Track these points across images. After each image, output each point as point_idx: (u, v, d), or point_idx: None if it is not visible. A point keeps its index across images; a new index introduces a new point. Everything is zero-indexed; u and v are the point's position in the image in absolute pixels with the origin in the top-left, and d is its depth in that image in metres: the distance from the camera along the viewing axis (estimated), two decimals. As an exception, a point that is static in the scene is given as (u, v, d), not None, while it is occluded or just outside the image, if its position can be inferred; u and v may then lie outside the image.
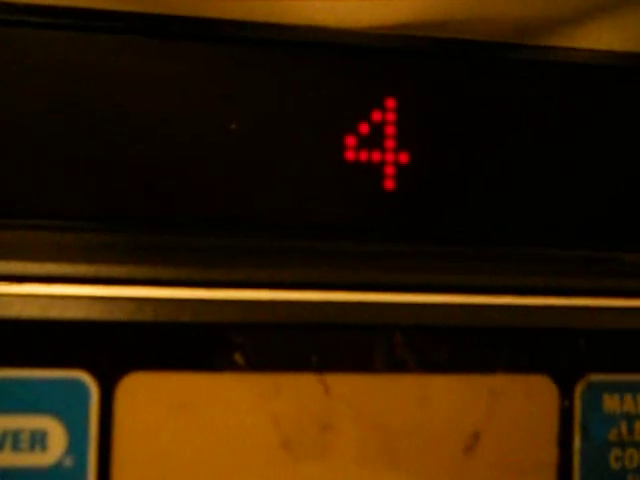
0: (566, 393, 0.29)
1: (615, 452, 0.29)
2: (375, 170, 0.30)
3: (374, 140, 0.30)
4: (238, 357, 0.27)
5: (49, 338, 0.26)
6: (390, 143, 0.30)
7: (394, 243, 0.30)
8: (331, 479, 0.27)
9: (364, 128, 0.30)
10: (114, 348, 0.26)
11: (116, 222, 0.28)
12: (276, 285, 0.27)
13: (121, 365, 0.26)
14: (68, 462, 0.26)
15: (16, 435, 0.25)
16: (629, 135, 0.31)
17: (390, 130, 0.30)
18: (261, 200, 0.29)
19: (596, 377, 0.29)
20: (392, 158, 0.30)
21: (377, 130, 0.30)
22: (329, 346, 0.27)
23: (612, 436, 0.29)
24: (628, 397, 0.29)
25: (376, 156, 0.30)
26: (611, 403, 0.29)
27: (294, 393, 0.27)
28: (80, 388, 0.26)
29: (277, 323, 0.27)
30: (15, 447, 0.25)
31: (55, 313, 0.26)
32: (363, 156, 0.30)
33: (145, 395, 0.26)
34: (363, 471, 0.27)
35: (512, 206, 0.30)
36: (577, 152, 0.31)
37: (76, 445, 0.26)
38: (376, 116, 0.30)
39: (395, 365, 0.27)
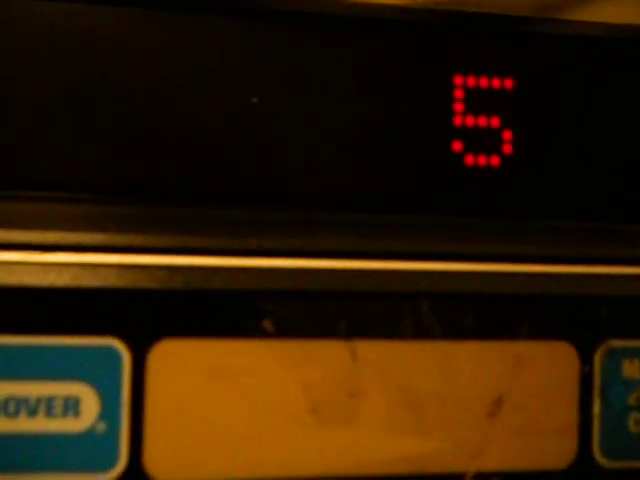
0: (586, 359, 0.26)
1: (634, 416, 0.26)
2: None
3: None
4: (267, 324, 0.24)
5: (82, 306, 0.23)
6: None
7: (422, 215, 0.27)
8: (359, 444, 0.25)
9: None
10: (145, 315, 0.24)
11: (148, 195, 0.26)
12: (306, 254, 0.24)
13: (152, 332, 0.24)
14: (101, 428, 0.23)
15: (50, 401, 0.23)
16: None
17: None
18: (293, 172, 0.26)
19: (616, 343, 0.26)
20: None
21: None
22: (357, 313, 0.25)
23: (631, 400, 0.26)
24: (646, 363, 0.26)
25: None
26: (630, 368, 0.26)
27: (322, 360, 0.24)
28: (112, 355, 0.23)
29: (306, 291, 0.24)
30: (49, 413, 0.23)
31: (87, 281, 0.23)
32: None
33: (176, 362, 0.24)
34: (390, 436, 0.25)
35: (535, 178, 0.28)
36: (597, 126, 0.28)
37: (109, 411, 0.23)
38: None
39: (422, 332, 0.25)
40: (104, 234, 0.24)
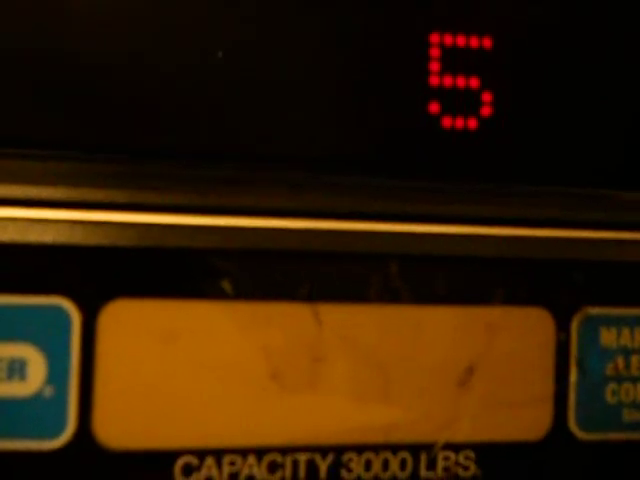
0: (563, 326, 0.25)
1: (611, 386, 0.25)
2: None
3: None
4: (226, 285, 0.23)
5: (28, 263, 0.22)
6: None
7: (391, 176, 0.26)
8: (322, 412, 0.23)
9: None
10: (96, 274, 0.22)
11: (103, 150, 0.24)
12: (267, 212, 0.23)
13: (104, 292, 0.22)
14: (48, 392, 0.22)
15: None
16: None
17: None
18: (260, 130, 0.25)
19: (593, 310, 0.25)
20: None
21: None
22: (322, 275, 0.23)
23: (609, 370, 0.25)
24: (625, 331, 0.25)
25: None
26: (608, 337, 0.25)
27: (284, 323, 0.23)
28: (61, 315, 0.22)
29: (267, 250, 0.23)
30: None
31: (34, 237, 0.22)
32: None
33: (129, 323, 0.22)
34: (355, 404, 0.23)
35: (514, 142, 0.26)
36: (580, 88, 0.27)
37: (57, 375, 0.22)
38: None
39: (390, 296, 0.24)
40: (54, 188, 0.22)
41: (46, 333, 0.22)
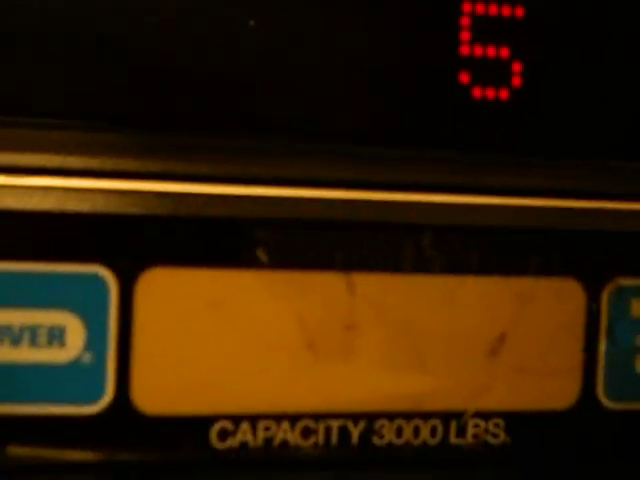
0: (593, 297, 0.25)
1: (640, 357, 0.25)
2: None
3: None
4: (261, 254, 0.22)
5: (67, 232, 0.22)
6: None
7: (422, 146, 0.25)
8: (354, 380, 0.23)
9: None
10: (133, 243, 0.22)
11: (139, 121, 0.24)
12: (304, 182, 0.23)
13: (140, 261, 0.22)
14: (87, 358, 0.22)
15: (34, 330, 0.22)
16: None
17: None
18: (294, 102, 0.24)
19: (624, 281, 0.25)
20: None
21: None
22: (356, 245, 0.23)
23: (638, 341, 0.25)
24: (656, 302, 0.25)
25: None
26: (638, 307, 0.25)
27: (319, 292, 0.23)
28: (99, 283, 0.22)
29: (303, 220, 0.23)
30: (33, 342, 0.22)
31: (73, 206, 0.22)
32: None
33: (165, 291, 0.22)
34: (387, 372, 0.23)
35: (545, 113, 0.26)
36: (612, 60, 0.26)
37: (95, 341, 0.22)
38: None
39: (423, 265, 0.23)
40: (92, 158, 0.22)
41: (84, 301, 0.22)
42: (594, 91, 0.26)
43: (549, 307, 0.24)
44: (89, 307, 0.22)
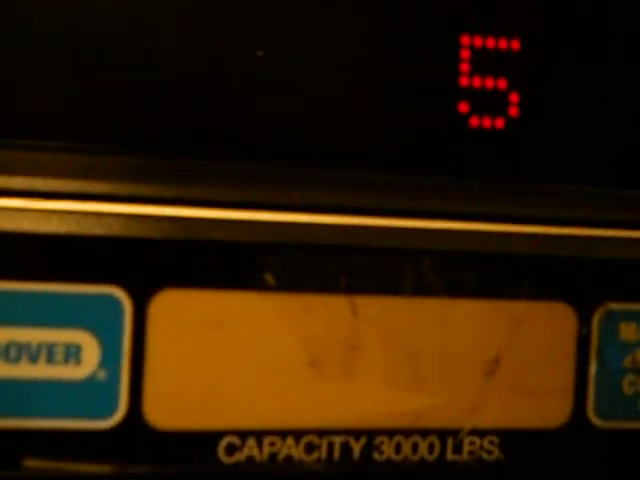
0: (584, 320, 0.25)
1: (629, 378, 0.26)
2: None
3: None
4: (269, 277, 0.23)
5: (85, 254, 0.23)
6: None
7: (421, 173, 0.26)
8: (356, 397, 0.24)
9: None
10: (147, 265, 0.23)
11: (153, 147, 0.24)
12: (310, 208, 0.24)
13: (154, 282, 0.23)
14: (101, 375, 0.23)
15: (51, 348, 0.22)
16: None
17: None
18: (300, 128, 0.25)
19: (614, 305, 0.26)
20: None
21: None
22: (359, 269, 0.24)
23: (627, 363, 0.26)
24: (643, 325, 0.26)
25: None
26: (627, 331, 0.26)
27: (323, 314, 0.24)
28: (114, 303, 0.23)
29: (308, 245, 0.23)
30: (50, 360, 0.22)
31: (90, 229, 0.22)
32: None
33: (178, 312, 0.23)
34: (388, 391, 0.24)
35: (540, 142, 0.27)
36: (606, 90, 0.27)
37: (109, 359, 0.23)
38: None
39: (422, 289, 0.24)
40: (108, 183, 0.23)
41: (100, 320, 0.23)
42: (588, 121, 0.27)
43: (542, 330, 0.25)
44: (104, 326, 0.23)
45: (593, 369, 0.25)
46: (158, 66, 0.24)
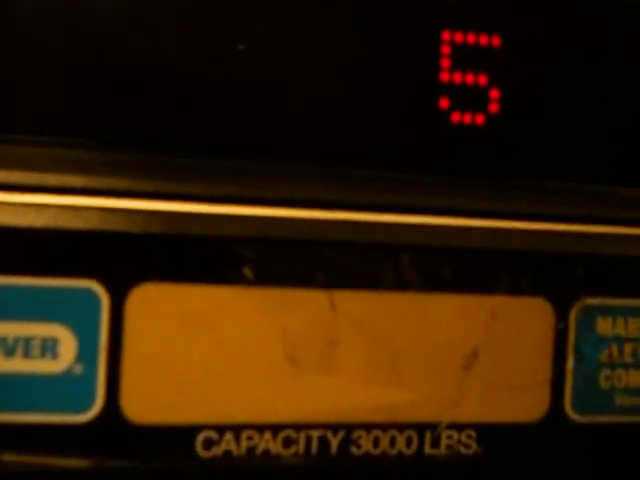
0: (562, 315, 0.25)
1: (605, 372, 0.26)
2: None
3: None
4: (247, 271, 0.23)
5: (61, 248, 0.22)
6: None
7: (401, 169, 0.26)
8: (334, 392, 0.24)
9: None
10: (125, 259, 0.23)
11: (131, 141, 0.24)
12: (288, 203, 0.23)
13: (131, 276, 0.23)
14: (78, 370, 0.22)
15: (27, 342, 0.22)
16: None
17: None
18: (276, 123, 0.25)
19: (591, 301, 0.26)
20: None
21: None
22: (337, 264, 0.24)
23: (603, 357, 0.26)
24: (620, 320, 0.26)
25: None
26: (604, 326, 0.26)
27: (301, 308, 0.24)
28: (91, 298, 0.22)
29: (286, 239, 0.23)
30: (26, 354, 0.22)
31: (67, 223, 0.22)
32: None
33: (155, 306, 0.23)
34: (366, 385, 0.24)
35: (520, 138, 0.27)
36: (586, 86, 0.27)
37: (86, 354, 0.22)
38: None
39: (400, 284, 0.24)
40: (86, 177, 0.23)
41: (77, 314, 0.22)
42: (568, 118, 0.27)
43: (520, 324, 0.25)
44: (81, 320, 0.22)
45: (570, 364, 0.25)
46: (139, 61, 0.24)
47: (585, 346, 0.26)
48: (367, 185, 0.25)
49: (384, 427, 0.24)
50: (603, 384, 0.26)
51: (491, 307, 0.25)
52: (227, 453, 0.23)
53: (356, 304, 0.24)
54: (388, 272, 0.24)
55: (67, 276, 0.22)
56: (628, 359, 0.26)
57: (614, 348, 0.26)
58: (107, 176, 0.23)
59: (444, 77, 0.27)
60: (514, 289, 0.25)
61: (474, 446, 0.25)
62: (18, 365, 0.22)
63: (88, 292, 0.22)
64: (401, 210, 0.24)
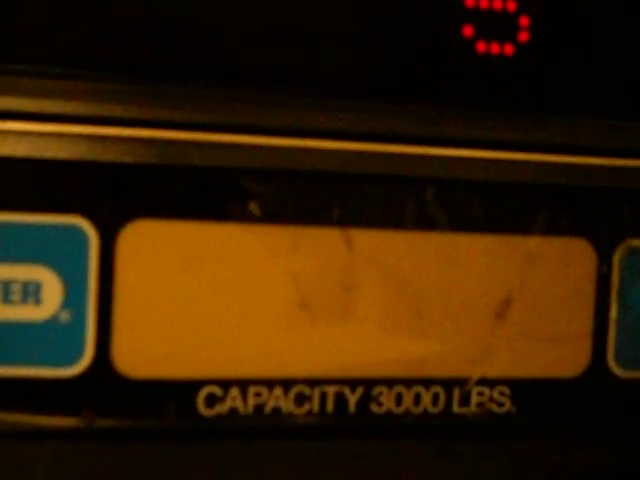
0: (604, 258, 0.23)
1: (653, 323, 0.23)
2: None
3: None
4: (254, 207, 0.21)
5: (44, 180, 0.20)
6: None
7: (424, 100, 0.24)
8: (352, 343, 0.22)
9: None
10: (116, 193, 0.20)
11: (127, 68, 0.22)
12: (299, 132, 0.21)
13: (123, 212, 0.20)
14: (64, 317, 0.20)
15: (7, 286, 0.20)
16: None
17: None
18: (290, 54, 0.23)
19: (637, 242, 0.24)
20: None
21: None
22: (354, 199, 0.22)
23: (650, 305, 0.23)
24: (668, 265, 0.23)
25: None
26: (651, 270, 0.23)
27: (315, 249, 0.21)
28: (78, 236, 0.20)
29: (298, 171, 0.21)
30: (6, 299, 0.20)
31: (50, 152, 0.20)
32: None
33: (150, 245, 0.20)
34: (387, 335, 0.22)
35: (551, 69, 0.24)
36: (622, 16, 0.25)
37: (73, 299, 0.20)
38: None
39: (425, 222, 0.22)
40: (71, 102, 0.20)
41: (62, 254, 0.20)
42: (604, 47, 0.25)
43: (557, 269, 0.23)
44: (67, 261, 0.20)
45: (614, 312, 0.23)
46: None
47: (631, 292, 0.23)
48: (387, 115, 0.22)
49: (408, 382, 0.22)
50: (651, 336, 0.24)
51: (526, 249, 0.23)
52: (232, 411, 0.21)
53: (375, 244, 0.22)
54: (411, 209, 0.22)
55: (51, 212, 0.20)
56: (678, 307, 0.24)
57: (663, 295, 0.24)
58: (95, 102, 0.20)
59: (469, 2, 0.25)
60: (551, 229, 0.23)
61: (507, 404, 0.23)
62: (-3, 312, 0.20)
63: (74, 230, 0.20)
64: (426, 141, 0.22)
